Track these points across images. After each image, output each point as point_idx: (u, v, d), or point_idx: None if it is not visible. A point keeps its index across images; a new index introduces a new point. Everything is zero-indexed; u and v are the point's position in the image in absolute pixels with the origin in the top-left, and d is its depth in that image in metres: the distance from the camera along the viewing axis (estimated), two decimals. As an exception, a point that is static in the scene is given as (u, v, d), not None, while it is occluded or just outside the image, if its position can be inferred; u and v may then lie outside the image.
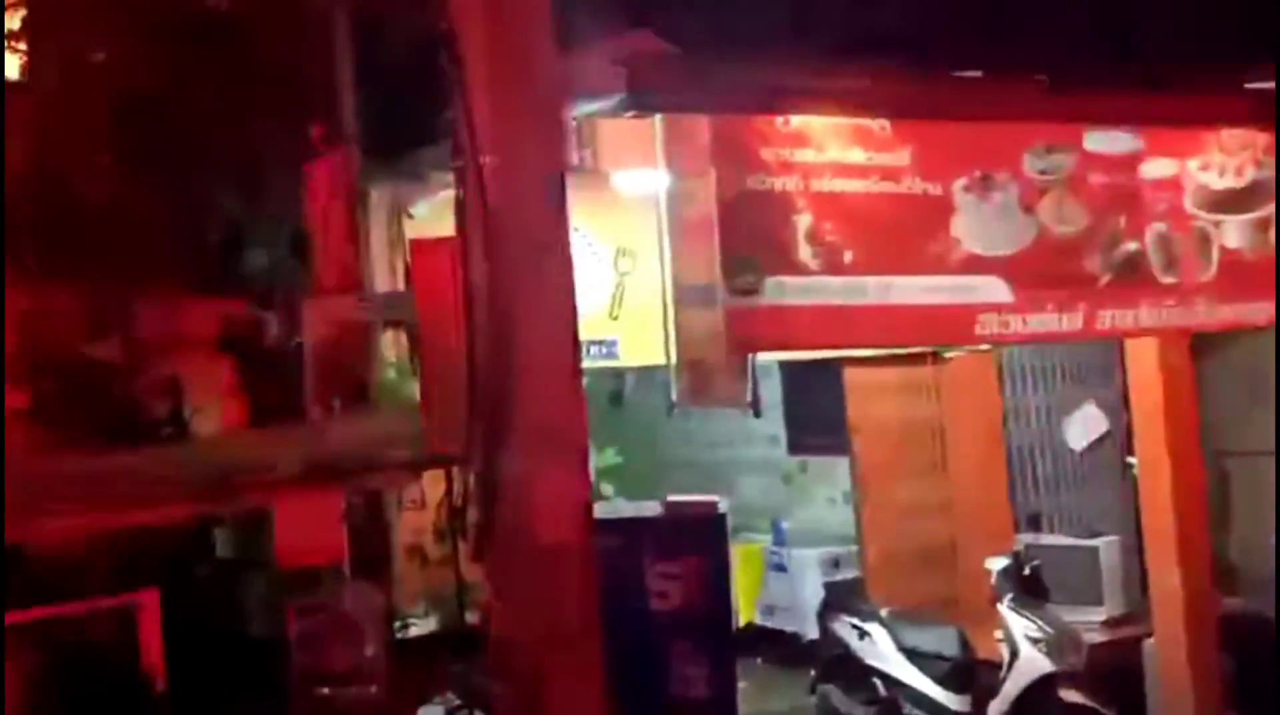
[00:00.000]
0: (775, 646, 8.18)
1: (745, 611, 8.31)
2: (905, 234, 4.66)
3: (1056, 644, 5.57)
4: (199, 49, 4.17)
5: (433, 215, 4.87)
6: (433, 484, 4.60)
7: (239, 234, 4.53)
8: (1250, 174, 5.24)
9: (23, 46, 4.33)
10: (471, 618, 4.05)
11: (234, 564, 4.36)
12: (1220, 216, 5.18)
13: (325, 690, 3.80)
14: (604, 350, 5.56)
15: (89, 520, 3.65)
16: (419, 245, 3.83)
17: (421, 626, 4.61)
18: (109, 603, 3.78)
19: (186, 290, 4.29)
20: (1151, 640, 6.03)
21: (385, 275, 4.98)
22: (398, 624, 4.43)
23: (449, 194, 4.11)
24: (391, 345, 4.90)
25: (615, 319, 5.57)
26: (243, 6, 4.35)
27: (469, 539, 3.46)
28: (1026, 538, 6.52)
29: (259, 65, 4.31)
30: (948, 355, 6.75)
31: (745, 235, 4.37)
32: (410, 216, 5.07)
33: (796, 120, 4.49)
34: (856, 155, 4.60)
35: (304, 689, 3.80)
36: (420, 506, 5.02)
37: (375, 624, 3.91)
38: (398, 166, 4.91)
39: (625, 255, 5.57)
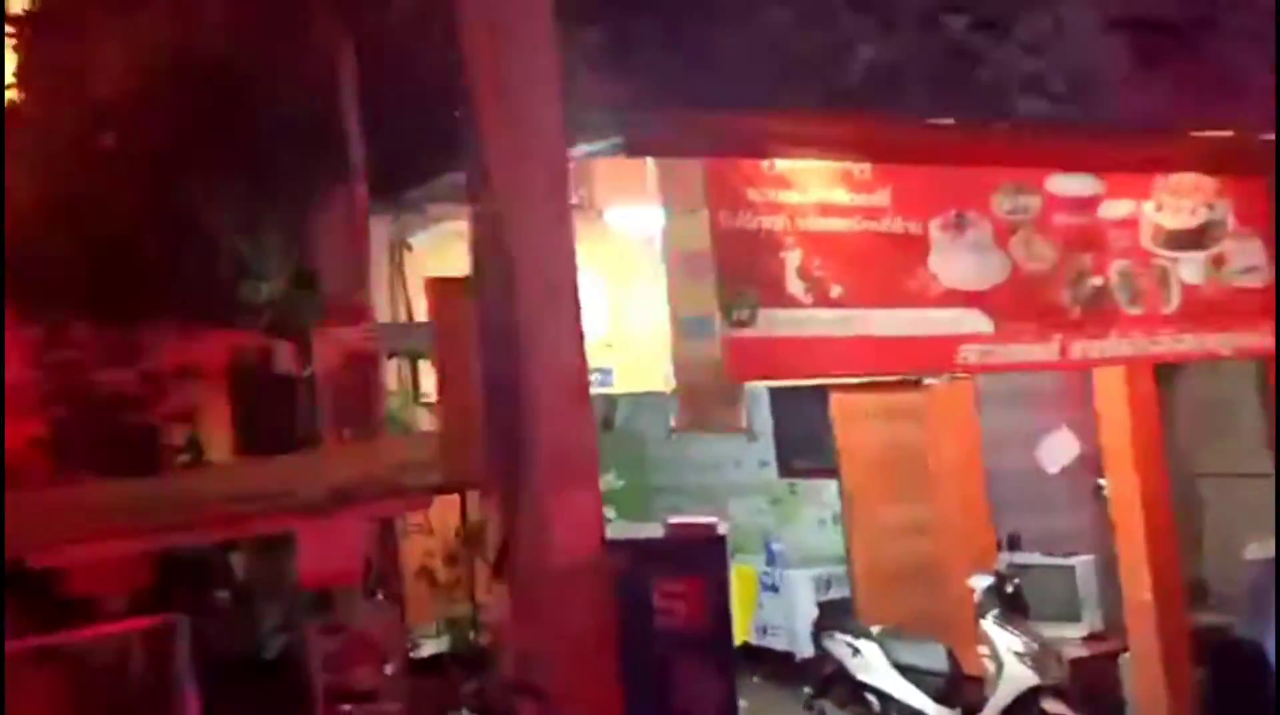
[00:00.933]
0: (770, 665, 8.35)
1: (740, 631, 8.42)
2: (887, 269, 4.86)
3: (1039, 658, 5.76)
4: (210, 84, 4.25)
5: (431, 247, 5.09)
6: (439, 509, 4.77)
7: (250, 266, 4.66)
8: (1202, 215, 5.49)
9: (33, 81, 4.45)
10: (481, 638, 4.23)
11: (253, 588, 4.47)
12: (1176, 254, 5.42)
13: (348, 709, 3.89)
14: (600, 378, 5.79)
15: (108, 548, 3.72)
16: (434, 283, 4.02)
17: (431, 647, 4.75)
18: (138, 625, 3.83)
19: (199, 321, 4.38)
20: (1127, 654, 6.25)
21: (386, 306, 5.17)
22: (412, 644, 4.57)
23: (447, 226, 4.31)
24: (394, 375, 5.08)
25: (609, 347, 5.80)
26: (254, 44, 4.50)
27: (489, 560, 3.65)
28: (1007, 557, 6.69)
29: (271, 101, 4.46)
30: (929, 383, 6.95)
31: (740, 270, 4.56)
32: (409, 248, 5.24)
33: (781, 164, 4.70)
34: (840, 196, 4.82)
35: (327, 709, 3.88)
36: (427, 531, 5.19)
37: (394, 643, 4.04)
38: (399, 199, 5.04)
39: (619, 287, 5.81)
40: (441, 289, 3.88)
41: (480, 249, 3.69)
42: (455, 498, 4.70)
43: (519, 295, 3.58)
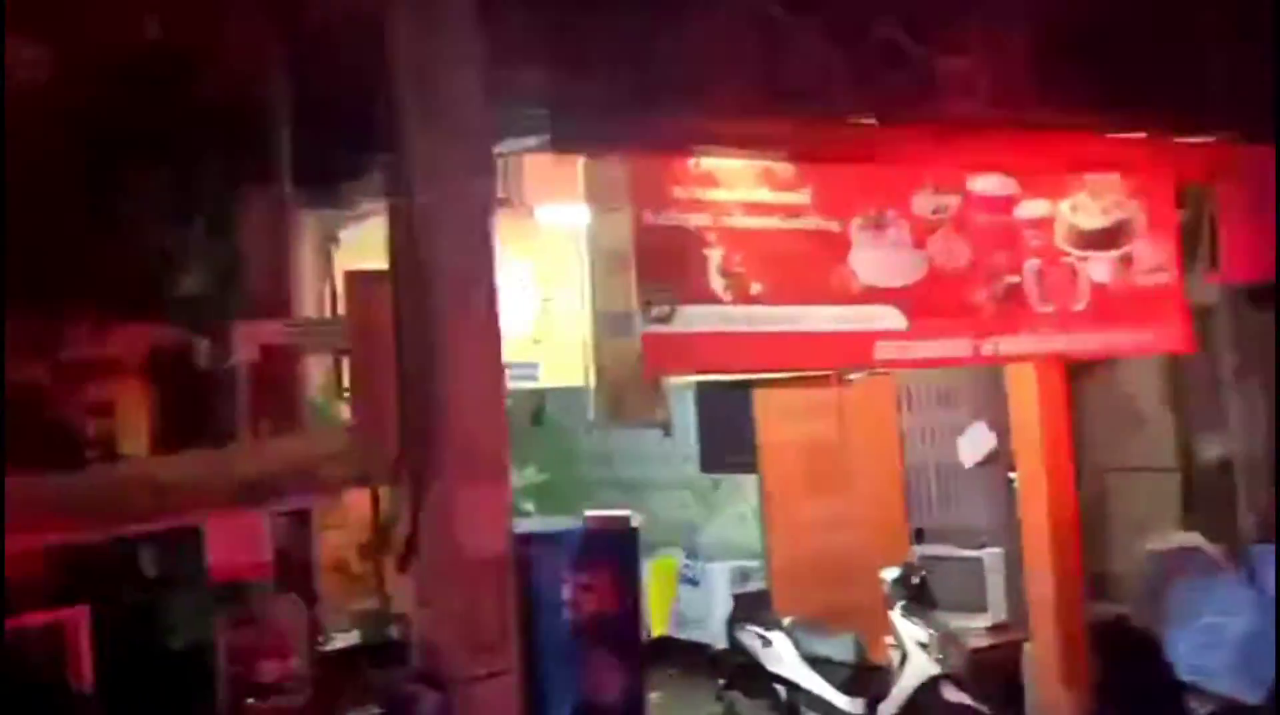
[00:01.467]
0: (686, 657, 8.39)
1: (659, 624, 8.53)
2: (808, 267, 4.96)
3: (942, 648, 5.87)
4: (134, 76, 4.23)
5: (360, 242, 5.05)
6: (354, 503, 4.74)
7: (171, 258, 4.61)
8: (1115, 215, 5.64)
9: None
10: (393, 631, 4.23)
11: (163, 581, 4.43)
12: (1088, 253, 5.57)
13: (253, 701, 3.90)
14: (526, 373, 5.80)
15: (19, 541, 3.69)
16: (352, 276, 4.00)
17: (344, 640, 4.74)
18: (38, 620, 3.80)
19: (116, 314, 4.34)
20: (1029, 644, 6.42)
21: (313, 300, 5.13)
22: (322, 638, 4.55)
23: (377, 222, 4.30)
24: (318, 369, 5.04)
25: (537, 343, 5.81)
26: (178, 37, 4.41)
27: (395, 553, 3.66)
28: (919, 549, 6.85)
29: (194, 94, 4.38)
30: (850, 379, 7.06)
31: (661, 267, 4.63)
32: (337, 243, 5.21)
33: (707, 162, 4.77)
34: (763, 194, 4.90)
35: (233, 701, 3.90)
36: (342, 524, 5.16)
37: (302, 636, 4.04)
38: (326, 194, 5.01)
39: (547, 283, 5.81)
40: (359, 282, 3.86)
41: (398, 243, 3.68)
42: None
43: (435, 290, 3.58)
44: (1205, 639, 5.64)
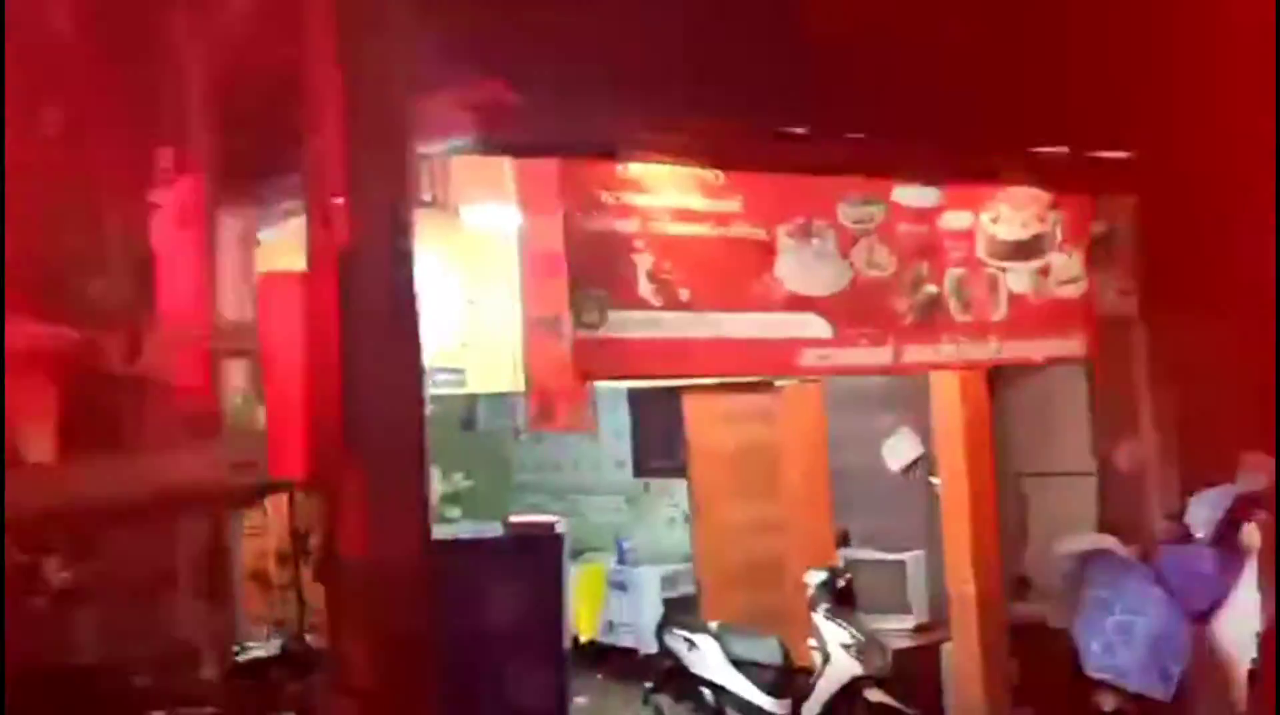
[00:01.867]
0: (615, 662, 8.41)
1: (588, 629, 8.52)
2: (735, 274, 5.00)
3: (864, 649, 5.95)
4: (46, 69, 4.14)
5: (281, 243, 4.98)
6: (275, 510, 4.68)
7: (80, 258, 4.50)
8: (1033, 227, 5.78)
9: None
10: (312, 639, 4.17)
11: (70, 590, 4.33)
12: (1007, 264, 5.70)
13: (163, 714, 3.85)
14: (453, 377, 5.75)
15: None
16: (267, 278, 3.93)
17: (264, 649, 4.68)
18: None
19: (20, 314, 4.22)
20: (949, 645, 6.51)
21: (233, 302, 5.05)
22: (239, 647, 4.49)
23: (298, 222, 4.23)
24: (238, 373, 4.96)
25: (464, 347, 5.76)
26: (91, 27, 4.36)
27: (313, 561, 3.61)
28: (844, 552, 6.90)
29: (108, 88, 4.33)
30: (779, 384, 7.10)
31: (591, 272, 4.64)
32: (258, 243, 5.15)
33: (635, 167, 4.78)
34: (693, 201, 4.94)
35: (142, 713, 3.83)
36: (262, 532, 5.08)
37: (215, 648, 3.99)
38: (247, 193, 4.99)
39: (475, 286, 5.76)
40: (274, 284, 3.79)
41: (316, 244, 3.62)
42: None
43: (354, 292, 3.53)
44: (1116, 637, 5.78)
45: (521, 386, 5.11)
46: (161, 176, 4.65)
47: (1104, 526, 6.91)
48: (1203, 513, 6.22)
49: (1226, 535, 6.04)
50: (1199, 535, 6.16)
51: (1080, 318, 5.91)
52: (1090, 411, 7.11)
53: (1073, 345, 5.91)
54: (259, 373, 4.91)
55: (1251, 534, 6.01)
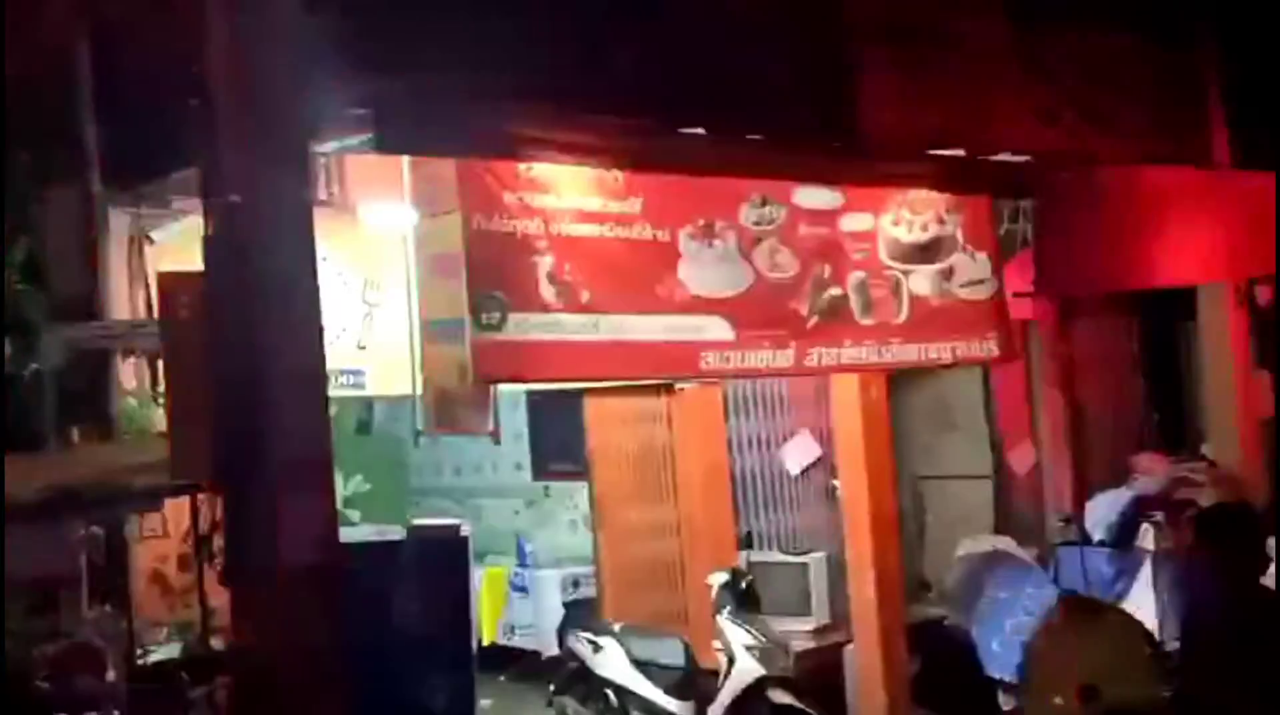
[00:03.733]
0: (517, 664, 8.39)
1: (489, 631, 8.47)
2: (637, 276, 5.00)
3: (768, 651, 5.99)
4: None
5: (175, 242, 4.87)
6: (175, 512, 4.57)
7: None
8: (933, 230, 5.82)
9: None
10: (214, 643, 4.10)
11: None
12: (909, 266, 5.74)
13: None
14: (351, 380, 5.67)
15: None
16: (166, 277, 3.84)
17: (163, 653, 4.57)
18: None
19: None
20: (851, 646, 6.62)
21: (124, 302, 4.92)
22: (139, 651, 4.38)
23: (191, 221, 4.14)
24: (132, 374, 4.84)
25: (363, 349, 5.68)
26: None
27: (215, 564, 3.54)
28: (746, 555, 6.98)
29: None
30: (679, 387, 7.13)
31: (491, 273, 4.59)
32: (151, 242, 5.02)
33: (538, 167, 4.74)
34: (593, 202, 4.92)
35: None
36: (162, 535, 4.96)
37: (116, 650, 3.89)
38: (139, 192, 4.84)
39: (373, 287, 5.69)
40: (173, 284, 3.70)
41: (213, 243, 3.55)
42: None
43: (253, 291, 3.47)
44: (1015, 637, 5.88)
45: (421, 389, 5.07)
46: (52, 174, 4.54)
47: (1001, 528, 7.13)
48: (1100, 514, 6.45)
49: (1123, 537, 6.26)
50: (1097, 537, 6.38)
51: (991, 319, 5.94)
52: (986, 414, 7.34)
53: (980, 347, 5.92)
54: (155, 373, 4.82)
55: (1147, 535, 6.23)
